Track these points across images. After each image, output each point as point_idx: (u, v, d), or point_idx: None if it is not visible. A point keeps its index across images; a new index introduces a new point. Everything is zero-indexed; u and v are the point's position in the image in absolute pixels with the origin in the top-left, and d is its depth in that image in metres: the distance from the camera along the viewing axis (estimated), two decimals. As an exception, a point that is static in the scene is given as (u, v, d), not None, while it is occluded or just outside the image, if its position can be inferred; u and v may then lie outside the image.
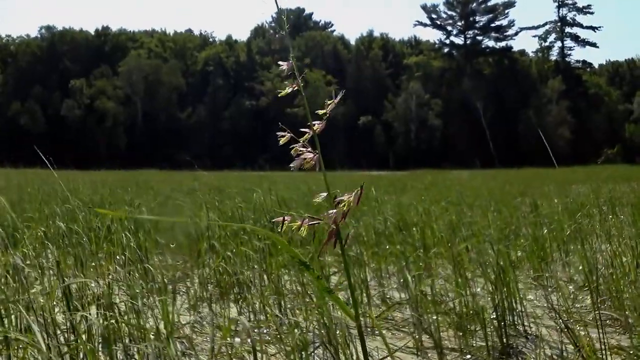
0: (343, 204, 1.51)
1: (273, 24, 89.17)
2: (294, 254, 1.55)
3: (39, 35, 79.10)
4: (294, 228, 1.50)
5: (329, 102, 1.59)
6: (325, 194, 1.57)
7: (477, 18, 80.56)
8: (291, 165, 1.56)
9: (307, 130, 1.59)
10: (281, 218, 1.50)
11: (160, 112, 72.10)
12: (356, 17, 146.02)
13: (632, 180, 16.16)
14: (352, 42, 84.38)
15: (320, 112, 1.59)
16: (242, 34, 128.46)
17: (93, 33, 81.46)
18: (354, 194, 1.51)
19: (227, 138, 70.77)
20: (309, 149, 1.56)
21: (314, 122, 1.58)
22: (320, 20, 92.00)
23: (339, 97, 1.56)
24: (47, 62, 73.83)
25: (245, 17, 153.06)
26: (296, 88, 1.58)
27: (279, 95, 1.62)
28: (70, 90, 70.98)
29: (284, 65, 1.58)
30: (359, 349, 2.93)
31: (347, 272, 1.62)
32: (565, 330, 2.22)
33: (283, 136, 1.57)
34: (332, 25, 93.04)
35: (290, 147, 1.55)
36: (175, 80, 74.93)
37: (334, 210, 1.50)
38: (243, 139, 70.03)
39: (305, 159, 1.55)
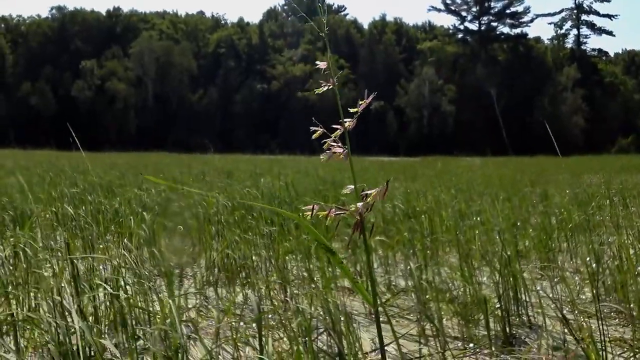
0: (369, 196, 1.58)
1: (286, 7, 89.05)
2: (320, 239, 1.61)
3: (49, 16, 79.17)
4: (321, 216, 1.57)
5: (361, 102, 1.63)
6: (352, 187, 1.63)
7: (492, 4, 79.66)
8: (321, 157, 1.63)
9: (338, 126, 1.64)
10: (311, 206, 1.58)
11: (171, 94, 72.06)
12: (369, 1, 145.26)
13: None
14: (365, 27, 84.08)
15: (353, 110, 1.64)
16: (254, 17, 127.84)
17: (104, 14, 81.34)
18: (379, 189, 1.58)
19: (238, 121, 70.72)
20: (339, 144, 1.62)
21: (345, 120, 1.64)
22: (334, 4, 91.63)
23: (371, 98, 1.62)
24: (58, 42, 73.85)
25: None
26: (330, 86, 1.64)
27: (315, 93, 1.67)
28: (81, 71, 70.98)
29: (321, 64, 1.64)
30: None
31: (368, 261, 1.68)
32: (564, 321, 2.23)
33: (316, 131, 1.64)
34: (345, 8, 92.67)
35: (321, 140, 1.63)
36: (186, 62, 74.85)
37: (361, 204, 1.57)
38: (254, 122, 69.98)
39: (334, 152, 1.61)
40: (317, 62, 1.65)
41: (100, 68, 72.28)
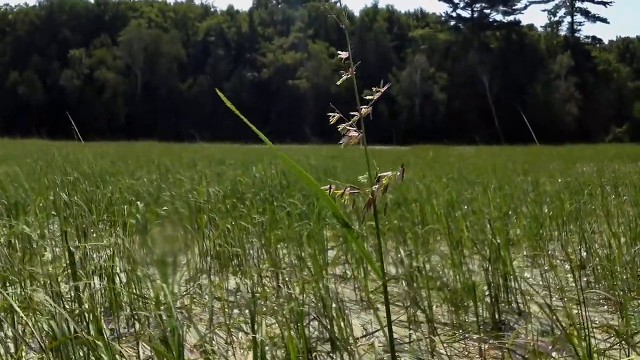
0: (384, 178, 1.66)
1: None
2: (339, 213, 1.67)
3: (37, 4, 78.65)
4: (337, 195, 1.67)
5: (375, 89, 1.70)
6: (366, 174, 1.70)
7: (485, -9, 79.60)
8: (340, 142, 1.70)
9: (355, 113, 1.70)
10: (328, 186, 1.68)
11: (160, 82, 71.88)
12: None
13: (639, 160, 16.09)
14: (356, 14, 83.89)
15: (369, 97, 1.70)
16: (244, 4, 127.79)
17: (93, 2, 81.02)
18: (395, 172, 1.65)
19: (228, 109, 70.33)
20: (355, 128, 1.69)
21: (361, 106, 1.71)
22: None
23: (386, 87, 1.69)
24: (46, 31, 73.46)
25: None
26: (349, 75, 1.71)
27: (338, 84, 1.74)
28: (69, 60, 70.72)
29: (343, 54, 1.71)
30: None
31: (378, 238, 1.74)
32: (547, 307, 2.28)
33: (333, 116, 1.70)
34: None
35: (337, 126, 1.70)
36: (175, 50, 74.67)
37: (377, 185, 1.65)
38: (244, 111, 68.52)
39: (351, 136, 1.69)
40: (339, 52, 1.71)
41: (88, 57, 72.02)
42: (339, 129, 1.68)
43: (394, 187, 6.69)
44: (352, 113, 1.68)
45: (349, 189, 1.67)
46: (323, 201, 1.69)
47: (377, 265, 1.71)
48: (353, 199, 1.68)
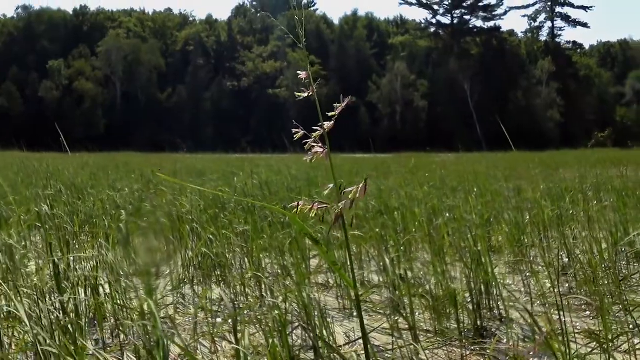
0: (349, 193, 1.69)
1: (255, 3, 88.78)
2: (307, 230, 1.71)
3: (15, 15, 78.29)
4: (305, 211, 1.70)
5: (337, 105, 1.74)
6: (331, 186, 1.75)
7: (465, -3, 79.79)
8: (305, 158, 1.74)
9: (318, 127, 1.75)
10: (296, 203, 1.71)
11: (139, 92, 71.74)
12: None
13: (622, 165, 16.10)
14: (336, 22, 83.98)
15: (330, 113, 1.75)
16: (223, 13, 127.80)
17: (71, 13, 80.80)
18: (360, 185, 1.69)
19: (208, 119, 70.47)
20: (320, 144, 1.74)
21: (324, 122, 1.75)
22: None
23: (347, 101, 1.73)
24: (25, 42, 73.08)
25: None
26: (310, 93, 1.74)
27: (297, 99, 1.78)
28: (48, 71, 70.36)
29: (301, 74, 1.73)
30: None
31: (347, 249, 1.78)
32: (527, 313, 2.31)
33: (297, 132, 1.75)
34: (315, 4, 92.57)
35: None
36: (154, 60, 74.57)
37: (344, 201, 1.69)
38: (224, 120, 69.75)
39: (315, 152, 1.72)
40: (298, 73, 1.75)
41: (67, 68, 71.75)
42: (305, 144, 1.72)
43: (377, 195, 6.72)
44: (314, 127, 1.72)
45: (317, 204, 1.70)
46: (292, 221, 1.74)
47: (349, 278, 1.75)
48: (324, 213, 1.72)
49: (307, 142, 1.73)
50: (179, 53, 78.28)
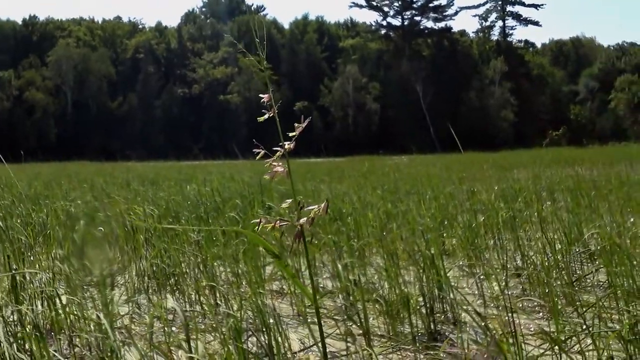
0: (309, 211, 1.77)
1: (204, 9, 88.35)
2: (267, 246, 1.79)
3: (-37, 26, 76.94)
4: (268, 229, 1.77)
5: (297, 125, 1.80)
6: (290, 201, 1.81)
7: (415, -2, 79.66)
8: (265, 176, 1.82)
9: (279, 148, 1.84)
10: (258, 220, 1.77)
11: (90, 101, 70.98)
12: (289, 1, 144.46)
13: (576, 164, 16.19)
14: (286, 26, 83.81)
15: (291, 134, 1.84)
16: (172, 20, 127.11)
17: (20, 23, 79.64)
18: (322, 205, 1.77)
19: (159, 127, 69.97)
20: (280, 164, 1.82)
21: (285, 142, 1.84)
22: (253, 4, 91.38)
23: (306, 122, 1.78)
24: (-27, 53, 71.94)
25: (175, 2, 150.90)
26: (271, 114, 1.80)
27: (259, 121, 1.83)
28: (-3, 82, 69.37)
29: (265, 97, 1.80)
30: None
31: (308, 264, 1.81)
32: (478, 315, 2.36)
33: (259, 153, 1.82)
34: (265, 9, 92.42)
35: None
36: (105, 68, 73.91)
37: (304, 219, 1.76)
38: (175, 127, 69.29)
39: (276, 172, 1.80)
40: (261, 95, 1.81)
41: (17, 78, 70.75)
42: (257, 151, 1.77)
43: (330, 201, 6.75)
44: (274, 148, 1.77)
45: (279, 221, 1.76)
46: (253, 239, 1.80)
47: (308, 290, 1.80)
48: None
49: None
50: (129, 61, 77.60)
